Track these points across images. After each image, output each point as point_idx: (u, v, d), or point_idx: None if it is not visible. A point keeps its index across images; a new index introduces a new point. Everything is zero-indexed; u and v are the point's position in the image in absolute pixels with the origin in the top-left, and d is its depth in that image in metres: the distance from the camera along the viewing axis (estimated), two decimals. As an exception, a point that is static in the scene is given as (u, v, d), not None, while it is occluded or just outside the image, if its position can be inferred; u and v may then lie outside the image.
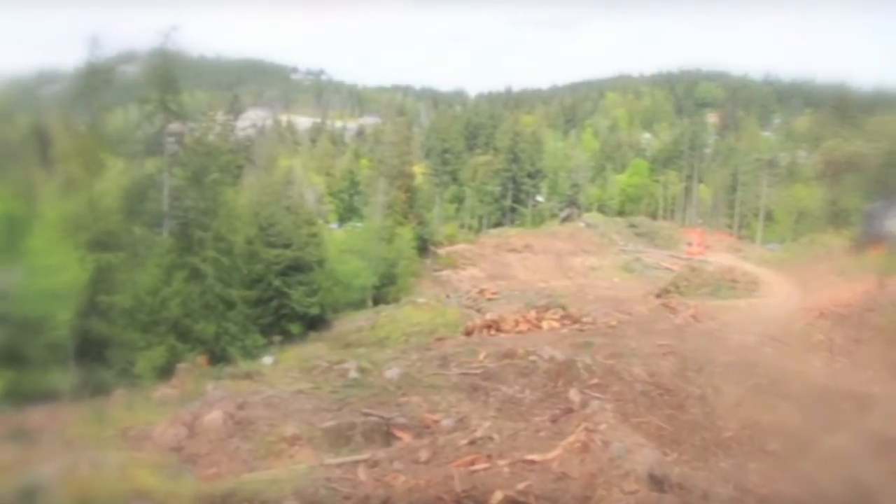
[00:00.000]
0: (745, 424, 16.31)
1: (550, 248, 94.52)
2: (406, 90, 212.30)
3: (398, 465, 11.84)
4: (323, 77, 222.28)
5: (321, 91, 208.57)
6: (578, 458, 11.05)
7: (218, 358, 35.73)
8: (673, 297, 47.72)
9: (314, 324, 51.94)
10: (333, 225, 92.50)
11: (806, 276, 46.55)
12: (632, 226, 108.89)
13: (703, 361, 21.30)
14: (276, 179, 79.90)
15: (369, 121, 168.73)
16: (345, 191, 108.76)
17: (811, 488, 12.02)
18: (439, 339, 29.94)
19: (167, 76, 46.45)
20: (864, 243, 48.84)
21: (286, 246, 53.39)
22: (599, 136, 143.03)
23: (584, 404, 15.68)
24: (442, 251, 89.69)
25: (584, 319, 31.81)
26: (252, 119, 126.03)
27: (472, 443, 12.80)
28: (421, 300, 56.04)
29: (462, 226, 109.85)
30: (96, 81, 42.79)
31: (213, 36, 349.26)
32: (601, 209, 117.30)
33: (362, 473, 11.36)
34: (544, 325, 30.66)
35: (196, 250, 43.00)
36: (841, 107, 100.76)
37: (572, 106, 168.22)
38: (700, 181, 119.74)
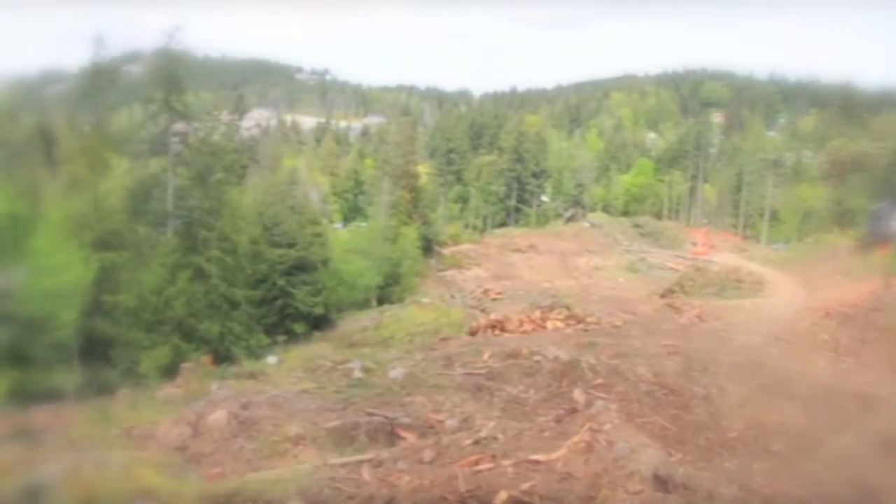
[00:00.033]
0: (750, 425, 16.25)
1: (555, 248, 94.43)
2: (410, 90, 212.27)
3: (402, 465, 11.82)
4: (327, 77, 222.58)
5: (325, 91, 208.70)
6: (583, 459, 11.03)
7: (222, 357, 35.78)
8: (678, 297, 47.60)
9: (318, 323, 52.01)
10: (338, 225, 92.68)
11: (811, 276, 46.46)
12: (636, 226, 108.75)
13: (707, 361, 21.25)
14: (281, 179, 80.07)
15: (374, 121, 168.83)
16: (349, 190, 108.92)
17: (816, 489, 11.97)
18: (444, 339, 29.88)
19: (172, 76, 46.54)
20: (869, 243, 48.69)
21: (290, 246, 53.44)
22: (604, 135, 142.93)
23: (588, 404, 15.64)
24: (446, 251, 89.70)
25: (589, 319, 31.72)
26: (256, 119, 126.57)
27: (476, 443, 12.78)
28: (425, 300, 56.05)
29: (466, 226, 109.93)
30: (101, 81, 42.83)
31: (217, 36, 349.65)
32: (606, 209, 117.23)
33: (366, 473, 11.35)
34: (549, 325, 30.58)
35: (200, 250, 43.07)
36: (847, 106, 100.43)
37: (577, 106, 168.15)
38: (705, 181, 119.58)
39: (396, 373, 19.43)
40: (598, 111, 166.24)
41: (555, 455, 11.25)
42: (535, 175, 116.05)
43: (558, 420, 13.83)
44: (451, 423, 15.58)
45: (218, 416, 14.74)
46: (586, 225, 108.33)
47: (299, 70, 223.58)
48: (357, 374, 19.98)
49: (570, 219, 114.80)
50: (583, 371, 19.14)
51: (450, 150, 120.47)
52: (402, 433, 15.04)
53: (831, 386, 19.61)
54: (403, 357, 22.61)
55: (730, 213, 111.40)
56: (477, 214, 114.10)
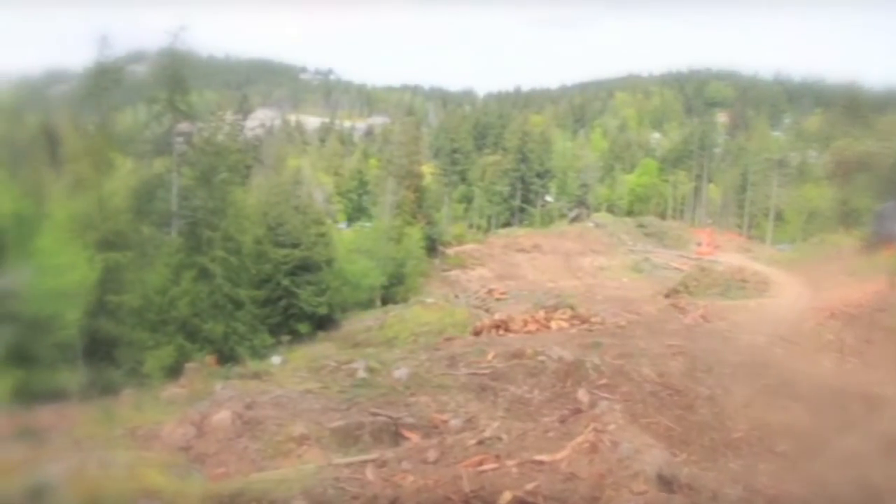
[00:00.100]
0: (755, 425, 16.22)
1: (559, 248, 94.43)
2: (415, 90, 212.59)
3: (406, 465, 11.81)
4: (332, 77, 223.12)
5: (330, 91, 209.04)
6: (587, 459, 11.00)
7: (226, 357, 35.78)
8: (682, 297, 47.56)
9: (322, 323, 52.01)
10: (342, 225, 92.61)
11: (816, 276, 46.30)
12: (641, 226, 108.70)
13: (712, 362, 21.20)
14: (285, 179, 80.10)
15: (378, 121, 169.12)
16: (353, 190, 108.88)
17: (821, 489, 11.93)
18: (448, 339, 29.84)
19: (176, 76, 46.64)
20: (875, 243, 48.51)
21: (295, 246, 53.47)
22: (609, 135, 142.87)
23: (592, 405, 15.60)
24: (450, 251, 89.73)
25: (593, 319, 31.68)
26: (261, 119, 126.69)
27: (480, 443, 12.76)
28: (429, 300, 56.02)
29: (471, 226, 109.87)
30: (105, 81, 42.90)
31: (222, 36, 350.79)
32: (610, 209, 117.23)
33: (371, 473, 11.33)
34: (553, 325, 30.55)
35: (204, 250, 43.12)
36: (852, 106, 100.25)
37: (581, 106, 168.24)
38: (710, 181, 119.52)
39: (400, 373, 19.43)
40: (603, 111, 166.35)
41: (559, 455, 11.23)
42: (539, 175, 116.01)
43: (562, 420, 13.79)
44: (455, 423, 15.57)
45: (222, 416, 14.75)
46: (591, 225, 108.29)
47: (303, 70, 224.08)
48: (361, 374, 19.97)
49: (575, 219, 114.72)
50: (587, 371, 19.13)
51: (454, 150, 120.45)
52: (407, 433, 15.04)
53: (836, 386, 19.55)
54: (407, 357, 22.60)
55: (734, 213, 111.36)
56: (481, 214, 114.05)
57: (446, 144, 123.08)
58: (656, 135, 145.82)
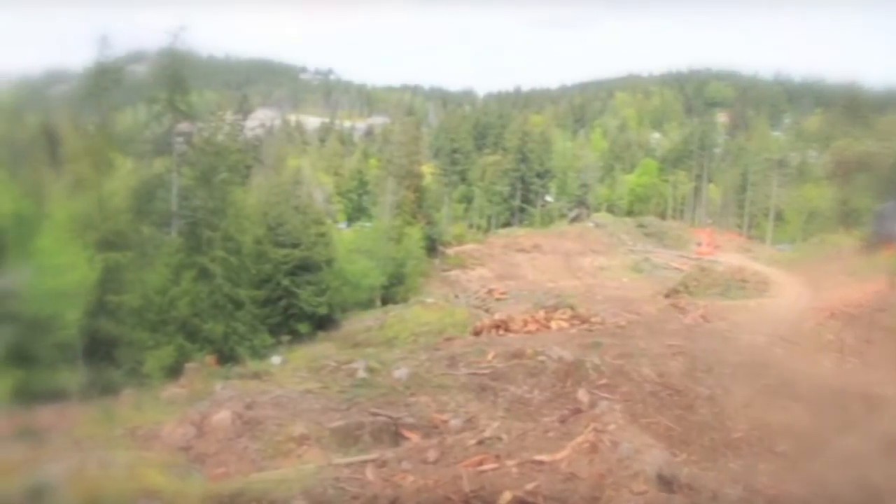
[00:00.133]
0: (755, 425, 16.22)
1: (559, 248, 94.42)
2: (415, 90, 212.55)
3: (406, 465, 11.81)
4: (332, 77, 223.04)
5: (330, 91, 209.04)
6: (587, 459, 11.01)
7: (226, 357, 35.78)
8: (682, 297, 47.56)
9: (322, 323, 52.01)
10: (342, 225, 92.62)
11: (816, 276, 46.29)
12: (641, 226, 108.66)
13: (712, 362, 21.20)
14: (285, 179, 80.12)
15: (378, 121, 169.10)
16: (353, 190, 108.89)
17: (821, 489, 11.94)
18: (448, 339, 29.84)
19: (176, 76, 46.65)
20: (875, 243, 48.49)
21: (295, 246, 53.47)
22: (608, 135, 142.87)
23: (592, 405, 15.59)
24: (450, 251, 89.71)
25: (593, 319, 31.69)
26: (261, 119, 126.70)
27: (480, 443, 12.76)
28: (429, 300, 56.01)
29: (471, 226, 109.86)
30: (105, 81, 42.90)
31: (222, 36, 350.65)
32: (610, 209, 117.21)
33: (371, 473, 11.33)
34: (553, 325, 30.56)
35: (204, 250, 43.13)
36: (852, 106, 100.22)
37: (581, 105, 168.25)
38: (710, 181, 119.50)
39: (400, 373, 19.43)
40: (603, 111, 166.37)
41: (559, 455, 11.23)
42: (539, 175, 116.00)
43: (562, 420, 13.79)
44: (455, 423, 15.58)
45: (222, 416, 14.75)
46: (591, 225, 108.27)
47: (303, 70, 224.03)
48: (361, 374, 19.98)
49: (575, 219, 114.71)
50: (587, 371, 19.13)
51: (454, 150, 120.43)
52: (407, 433, 15.04)
53: (836, 386, 19.55)
54: (408, 357, 22.60)
55: (734, 214, 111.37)
56: (481, 214, 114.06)
57: (446, 144, 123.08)
58: (656, 135, 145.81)
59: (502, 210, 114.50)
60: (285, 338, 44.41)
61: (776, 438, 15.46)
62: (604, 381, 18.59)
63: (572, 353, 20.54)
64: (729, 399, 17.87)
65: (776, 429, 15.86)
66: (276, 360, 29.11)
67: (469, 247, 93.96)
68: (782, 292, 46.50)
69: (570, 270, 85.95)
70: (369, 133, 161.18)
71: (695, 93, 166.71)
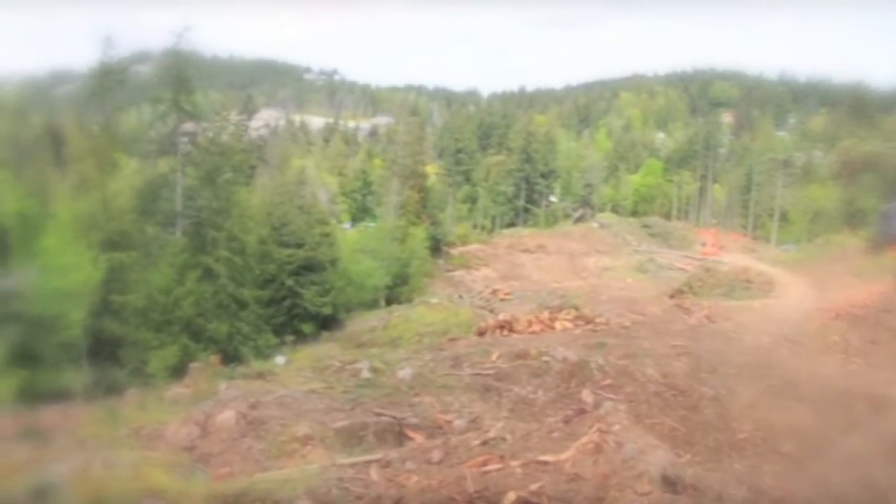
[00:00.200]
0: (760, 426, 16.19)
1: (563, 249, 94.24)
2: (419, 90, 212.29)
3: (410, 466, 11.80)
4: (336, 77, 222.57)
5: (334, 91, 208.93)
6: (591, 459, 10.98)
7: (230, 357, 35.80)
8: (687, 297, 47.46)
9: (327, 323, 52.07)
10: (346, 225, 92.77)
11: (821, 276, 46.23)
12: (645, 226, 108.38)
13: (717, 362, 21.17)
14: (289, 179, 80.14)
15: (382, 121, 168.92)
16: (357, 191, 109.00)
17: (826, 490, 11.92)
18: (452, 340, 29.84)
19: (180, 76, 46.73)
20: (880, 244, 48.36)
21: (299, 246, 53.54)
22: (613, 135, 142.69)
23: (597, 405, 15.58)
24: (455, 251, 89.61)
25: (598, 320, 31.66)
26: (265, 119, 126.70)
27: (484, 443, 12.74)
28: (434, 300, 56.04)
29: (475, 226, 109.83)
30: (110, 81, 43.02)
31: (226, 36, 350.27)
32: (615, 209, 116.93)
33: (374, 473, 11.32)
34: (557, 325, 30.53)
35: (209, 250, 43.21)
36: (857, 106, 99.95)
37: (586, 106, 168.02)
38: (714, 181, 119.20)
39: (405, 373, 19.42)
40: (607, 111, 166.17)
41: (563, 456, 11.21)
42: (543, 175, 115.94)
43: (567, 421, 13.76)
44: (459, 423, 15.57)
45: (226, 416, 14.75)
46: (595, 225, 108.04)
47: (308, 70, 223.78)
48: (365, 374, 19.97)
49: (579, 219, 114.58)
50: (591, 372, 19.11)
51: (458, 151, 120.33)
52: (411, 433, 15.02)
53: (841, 387, 19.50)
54: (412, 357, 22.59)
55: (739, 214, 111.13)
56: (485, 214, 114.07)
57: (450, 144, 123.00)
58: (661, 135, 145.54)
59: (506, 210, 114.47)
60: (289, 338, 44.39)
61: (781, 439, 15.43)
62: (608, 381, 18.57)
63: (577, 353, 20.52)
64: (733, 400, 17.84)
65: (781, 429, 15.83)
66: (280, 360, 29.09)
67: (473, 247, 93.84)
68: (787, 293, 46.44)
69: (575, 271, 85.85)
70: (373, 133, 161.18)
71: (699, 93, 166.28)
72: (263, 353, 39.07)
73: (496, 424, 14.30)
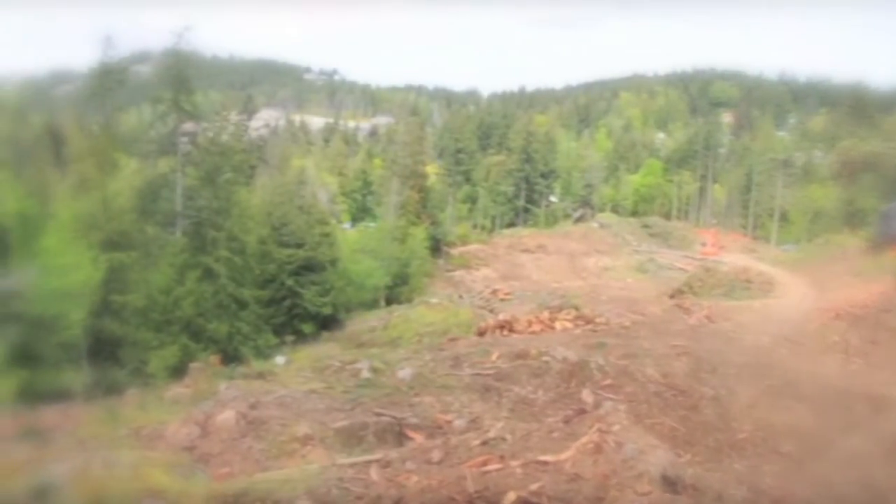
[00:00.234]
0: (760, 426, 16.19)
1: (563, 249, 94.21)
2: (419, 90, 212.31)
3: (410, 466, 11.79)
4: (336, 77, 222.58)
5: (334, 91, 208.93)
6: (591, 459, 10.98)
7: (230, 357, 35.80)
8: (687, 297, 47.45)
9: (327, 324, 52.08)
10: (346, 225, 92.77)
11: (821, 276, 46.22)
12: (645, 226, 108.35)
13: (717, 362, 21.17)
14: (289, 179, 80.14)
15: (382, 121, 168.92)
16: (357, 191, 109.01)
17: (826, 490, 11.92)
18: (452, 340, 29.84)
19: (180, 76, 46.73)
20: (880, 244, 48.33)
21: (299, 246, 53.55)
22: (613, 135, 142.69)
23: (597, 405, 15.57)
24: (455, 251, 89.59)
25: (598, 320, 31.65)
26: (265, 119, 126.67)
27: (484, 443, 12.74)
28: (434, 300, 56.03)
29: (475, 226, 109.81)
30: (110, 81, 43.02)
31: (226, 36, 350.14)
32: (615, 209, 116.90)
33: (375, 473, 11.32)
34: (557, 325, 30.52)
35: (209, 250, 43.22)
36: (857, 106, 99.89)
37: (586, 106, 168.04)
38: (714, 181, 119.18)
39: (405, 373, 19.42)
40: (607, 111, 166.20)
41: (563, 456, 11.21)
42: (543, 175, 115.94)
43: (567, 421, 13.76)
44: (459, 423, 15.56)
45: (226, 416, 14.74)
46: (595, 225, 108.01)
47: (308, 70, 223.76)
48: (365, 374, 19.97)
49: (579, 219, 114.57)
50: (591, 372, 19.10)
51: (458, 151, 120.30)
52: (411, 433, 15.02)
53: (841, 387, 19.50)
54: (412, 357, 22.58)
55: (739, 214, 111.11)
56: (485, 214, 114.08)
57: (450, 144, 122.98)
58: (661, 135, 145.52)
59: (506, 210, 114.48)
60: (289, 338, 44.40)
61: (781, 439, 15.43)
62: (608, 381, 18.56)
63: (577, 353, 20.51)
64: (733, 400, 17.84)
65: (781, 429, 15.83)
66: (280, 360, 29.09)
67: (473, 247, 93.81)
68: (787, 293, 46.43)
69: (575, 271, 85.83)
70: (373, 133, 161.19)
71: (699, 93, 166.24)
72: (263, 353, 39.07)
73: (496, 424, 14.30)
